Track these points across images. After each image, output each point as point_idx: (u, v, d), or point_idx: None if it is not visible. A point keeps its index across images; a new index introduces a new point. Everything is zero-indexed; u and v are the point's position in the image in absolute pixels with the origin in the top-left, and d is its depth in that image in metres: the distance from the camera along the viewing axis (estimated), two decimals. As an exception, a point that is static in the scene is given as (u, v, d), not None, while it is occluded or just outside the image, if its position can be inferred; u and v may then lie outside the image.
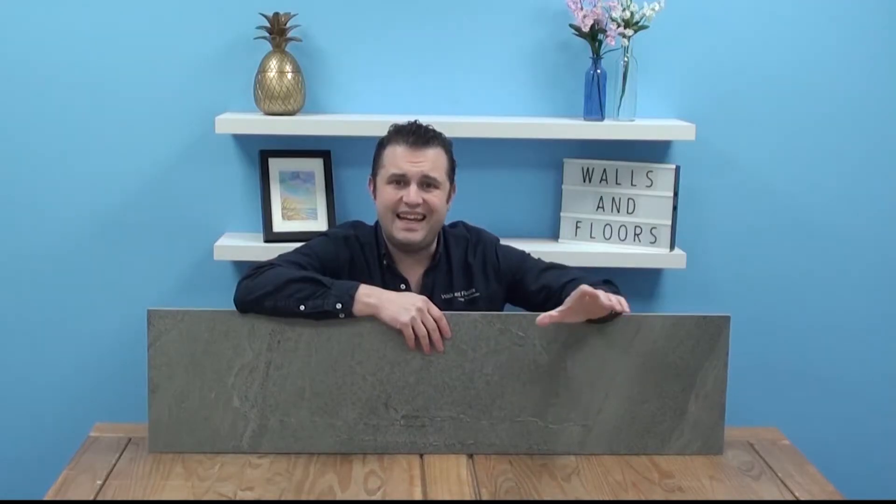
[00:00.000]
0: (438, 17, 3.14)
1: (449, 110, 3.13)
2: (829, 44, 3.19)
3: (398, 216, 2.58)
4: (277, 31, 3.03)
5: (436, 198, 2.59)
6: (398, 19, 3.14)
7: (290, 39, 3.06)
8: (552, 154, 3.21)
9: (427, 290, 2.64)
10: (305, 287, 2.39)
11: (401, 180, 2.58)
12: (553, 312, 2.33)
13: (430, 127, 2.64)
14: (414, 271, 2.67)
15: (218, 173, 3.17)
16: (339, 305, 2.37)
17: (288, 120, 3.05)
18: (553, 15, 3.14)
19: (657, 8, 3.02)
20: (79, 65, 3.10)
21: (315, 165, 3.17)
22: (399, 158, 2.58)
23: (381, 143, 2.65)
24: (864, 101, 3.23)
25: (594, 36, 3.07)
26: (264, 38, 3.05)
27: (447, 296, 2.66)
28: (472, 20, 3.15)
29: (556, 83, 3.18)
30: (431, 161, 2.59)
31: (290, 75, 3.03)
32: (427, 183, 2.58)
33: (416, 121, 2.65)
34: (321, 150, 3.17)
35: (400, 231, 2.59)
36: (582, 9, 3.04)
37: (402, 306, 2.37)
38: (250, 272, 2.45)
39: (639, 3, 3.03)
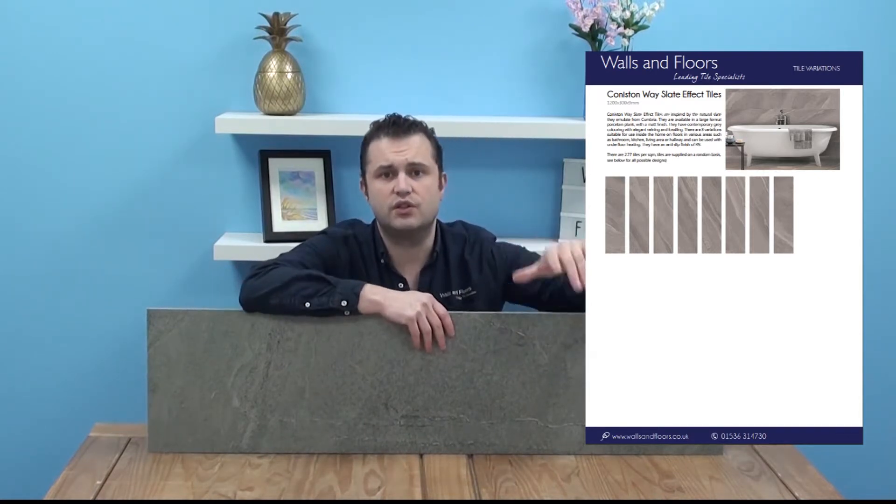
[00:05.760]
0: (438, 16, 3.14)
1: (449, 110, 3.14)
2: (829, 43, 3.19)
3: (392, 207, 2.59)
4: (277, 31, 3.03)
5: (426, 184, 2.60)
6: (398, 19, 3.14)
7: (290, 39, 3.06)
8: (552, 154, 3.21)
9: (424, 288, 2.64)
10: (311, 285, 2.39)
11: (388, 172, 2.59)
12: (527, 271, 2.40)
13: (409, 116, 2.65)
14: (412, 269, 2.67)
15: (218, 173, 3.18)
16: (344, 303, 2.37)
17: (288, 120, 3.05)
18: (553, 15, 3.14)
19: (657, 8, 3.02)
20: (78, 65, 3.10)
21: (315, 165, 3.17)
22: (384, 150, 2.60)
23: (365, 141, 2.67)
24: (865, 101, 3.22)
25: (594, 36, 3.07)
26: (264, 38, 3.05)
27: (445, 294, 2.66)
28: (472, 20, 3.15)
29: (556, 83, 3.18)
30: (415, 148, 2.60)
31: (290, 75, 3.03)
32: (415, 170, 2.60)
33: (393, 113, 2.67)
34: (321, 150, 3.17)
35: (396, 219, 2.59)
36: (582, 9, 3.05)
37: (408, 302, 2.38)
38: (255, 271, 2.45)
39: (639, 3, 3.04)
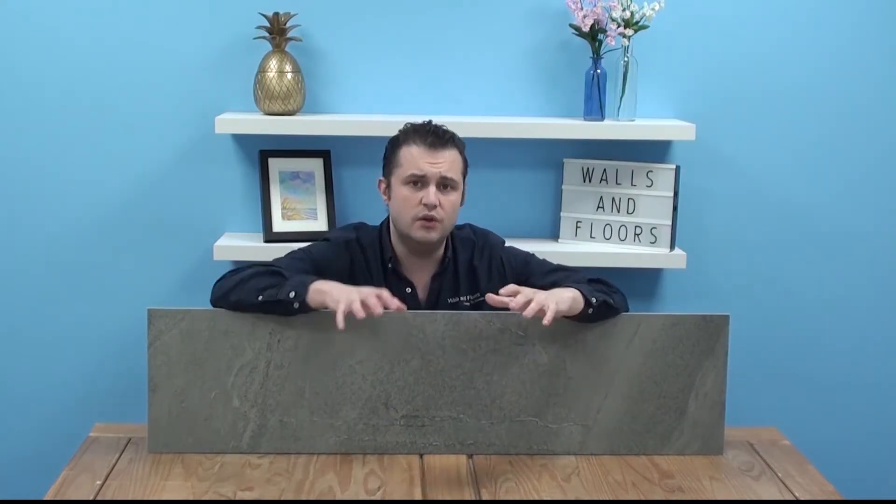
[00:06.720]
0: (438, 16, 3.14)
1: (449, 110, 3.13)
2: (829, 42, 3.19)
3: (417, 218, 2.55)
4: (277, 31, 3.03)
5: (452, 199, 2.58)
6: (398, 19, 3.14)
7: (290, 39, 3.06)
8: (552, 154, 3.21)
9: (434, 294, 2.64)
10: (266, 279, 2.39)
11: (419, 181, 2.55)
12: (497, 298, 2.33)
13: (445, 127, 2.62)
14: (421, 275, 2.65)
15: (218, 173, 3.17)
16: (292, 294, 2.34)
17: (288, 120, 3.05)
18: (553, 15, 3.14)
19: (657, 8, 3.02)
20: (79, 65, 3.10)
21: (315, 165, 3.17)
22: (418, 159, 2.55)
23: (396, 143, 2.61)
24: (865, 101, 3.23)
25: (594, 36, 3.07)
26: (264, 38, 3.05)
27: (453, 300, 2.65)
28: (472, 20, 3.15)
29: (556, 83, 3.18)
30: (449, 162, 2.57)
31: (289, 75, 3.03)
32: (445, 184, 2.56)
33: (430, 121, 2.63)
34: (321, 149, 3.17)
35: (418, 231, 2.55)
36: (582, 9, 3.04)
37: (347, 294, 2.30)
38: (224, 274, 2.48)
39: (639, 3, 3.03)
